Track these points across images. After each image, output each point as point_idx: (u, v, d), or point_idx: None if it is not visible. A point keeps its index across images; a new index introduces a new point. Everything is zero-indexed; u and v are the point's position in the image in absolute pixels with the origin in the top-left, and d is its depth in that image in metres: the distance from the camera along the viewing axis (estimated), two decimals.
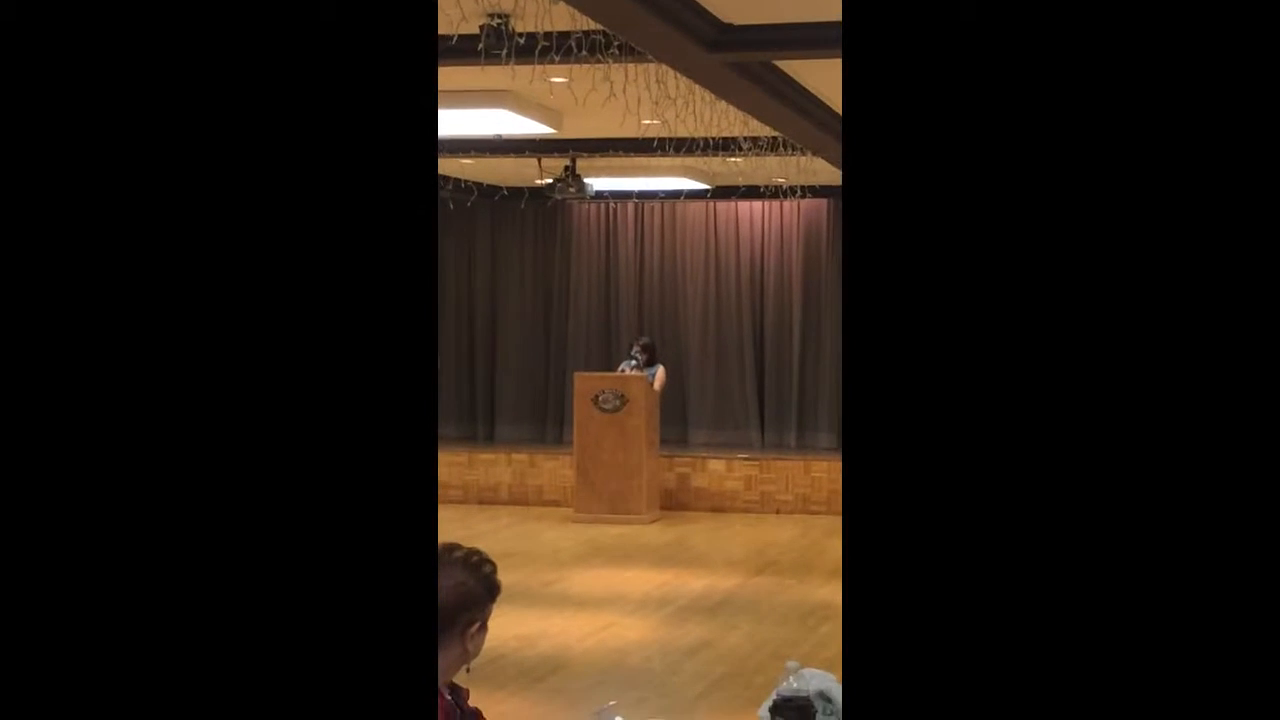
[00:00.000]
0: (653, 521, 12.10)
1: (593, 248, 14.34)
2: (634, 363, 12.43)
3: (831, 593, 8.95)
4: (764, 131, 8.56)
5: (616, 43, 5.88)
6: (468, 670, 2.79)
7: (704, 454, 13.18)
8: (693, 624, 8.17)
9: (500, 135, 9.31)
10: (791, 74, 7.02)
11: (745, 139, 8.68)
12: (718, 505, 12.79)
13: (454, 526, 10.94)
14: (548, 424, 14.28)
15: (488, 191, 12.99)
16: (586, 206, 14.08)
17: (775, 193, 12.68)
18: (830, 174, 11.13)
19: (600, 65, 6.08)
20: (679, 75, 6.60)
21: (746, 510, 12.69)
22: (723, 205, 13.80)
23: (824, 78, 7.05)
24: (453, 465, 13.25)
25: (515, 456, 13.35)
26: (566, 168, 11.05)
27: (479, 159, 10.77)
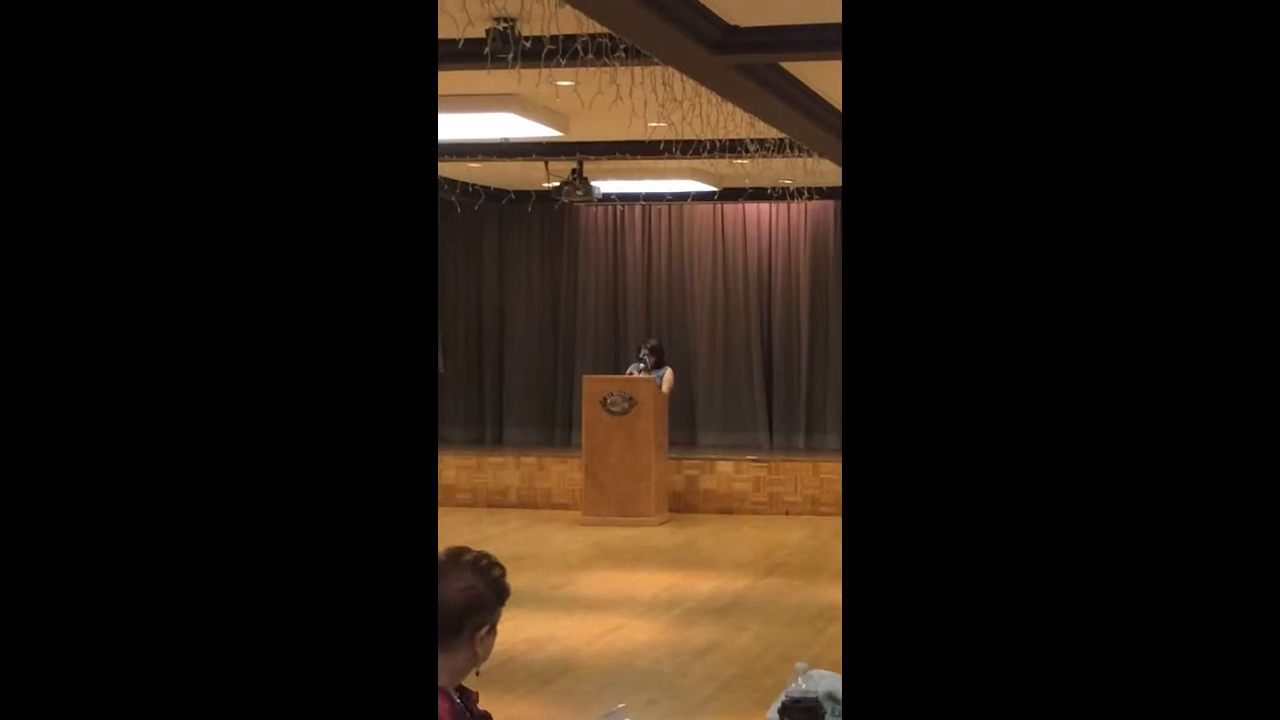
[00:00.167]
0: (661, 524, 12.09)
1: (600, 250, 14.34)
2: (642, 365, 12.43)
3: (840, 594, 8.92)
4: (770, 133, 8.57)
5: (622, 46, 5.89)
6: (477, 673, 2.80)
7: (712, 456, 13.17)
8: (702, 626, 8.17)
9: (507, 139, 9.32)
10: (798, 75, 7.02)
11: (752, 141, 8.68)
12: (726, 507, 12.78)
13: (463, 530, 10.94)
14: (556, 427, 14.29)
15: (495, 195, 13.00)
16: (594, 209, 14.09)
17: (782, 194, 12.69)
18: (837, 175, 11.12)
19: (606, 68, 6.08)
20: (685, 78, 6.60)
21: (755, 512, 12.69)
22: (730, 207, 13.80)
23: (829, 79, 7.05)
24: (461, 468, 13.25)
25: (524, 459, 13.35)
26: (573, 171, 11.06)
27: (486, 162, 10.79)
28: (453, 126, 8.09)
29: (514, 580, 2.87)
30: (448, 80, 6.45)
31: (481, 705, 2.87)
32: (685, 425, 13.70)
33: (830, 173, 10.89)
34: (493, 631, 2.78)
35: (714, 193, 12.82)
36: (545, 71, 5.94)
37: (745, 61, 6.23)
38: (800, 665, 3.29)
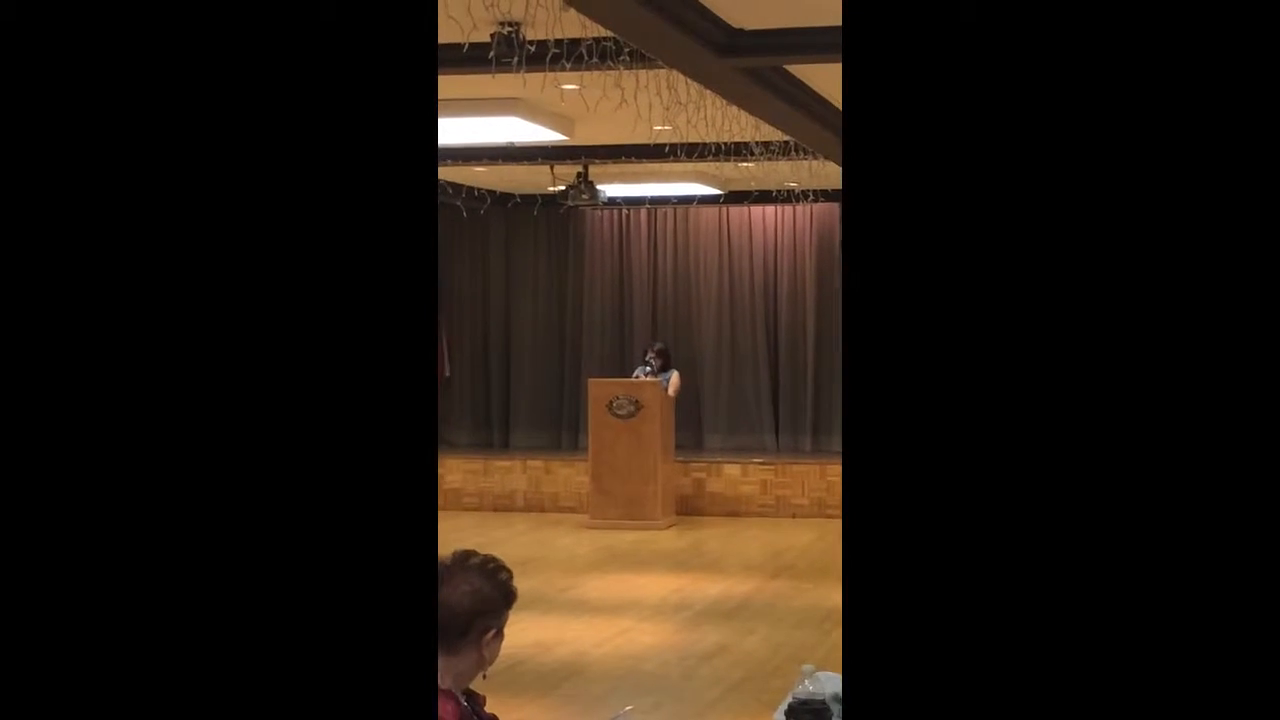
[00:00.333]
0: (668, 527, 12.09)
1: (606, 254, 14.35)
2: (648, 368, 12.43)
3: None
4: (775, 136, 8.57)
5: (627, 49, 5.89)
6: (484, 676, 2.80)
7: (719, 459, 13.17)
8: (709, 628, 8.17)
9: (512, 143, 9.33)
10: (802, 78, 7.02)
11: (757, 144, 8.68)
12: (733, 510, 12.78)
13: (470, 534, 10.95)
14: (563, 430, 14.29)
15: (501, 199, 13.01)
16: (599, 213, 14.09)
17: (787, 197, 12.68)
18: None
19: (611, 72, 6.08)
20: (690, 81, 6.61)
21: (762, 514, 12.68)
22: (735, 210, 13.81)
23: (834, 81, 7.04)
24: (468, 472, 13.26)
25: (530, 463, 13.36)
26: (579, 174, 11.06)
27: (492, 167, 10.79)
28: (458, 131, 8.10)
29: (521, 583, 2.87)
30: (453, 85, 6.46)
31: (489, 708, 2.87)
32: (692, 428, 13.70)
33: (835, 175, 10.88)
34: (500, 635, 2.78)
35: (719, 196, 12.81)
36: (550, 75, 5.95)
37: (750, 64, 6.23)
38: (807, 667, 3.29)
